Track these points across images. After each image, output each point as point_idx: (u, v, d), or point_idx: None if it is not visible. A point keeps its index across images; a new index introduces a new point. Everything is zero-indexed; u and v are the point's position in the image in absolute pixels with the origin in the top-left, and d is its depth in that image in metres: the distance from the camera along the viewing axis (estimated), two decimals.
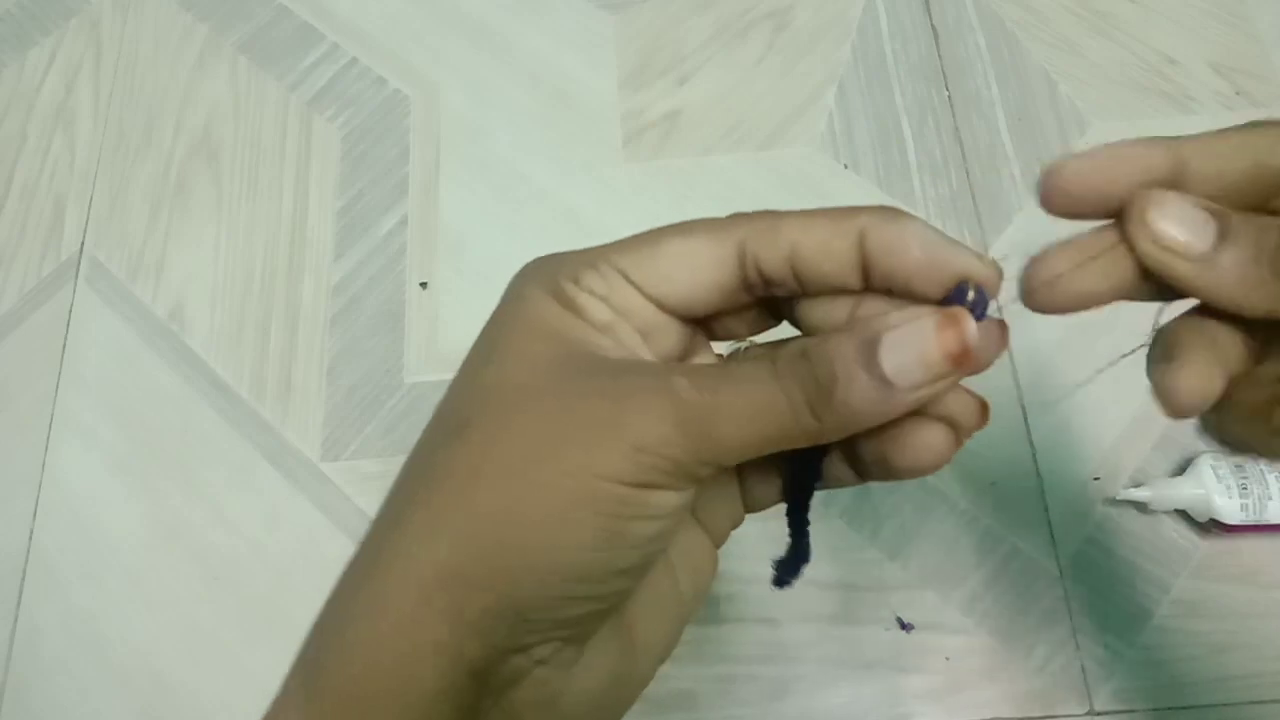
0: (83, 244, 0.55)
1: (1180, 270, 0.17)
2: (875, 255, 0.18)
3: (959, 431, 0.19)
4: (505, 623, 0.17)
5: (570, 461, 0.17)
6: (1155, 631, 0.41)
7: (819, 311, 0.20)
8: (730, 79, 0.56)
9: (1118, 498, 0.42)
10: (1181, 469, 0.43)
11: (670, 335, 0.20)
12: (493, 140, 0.55)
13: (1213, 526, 0.42)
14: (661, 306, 0.20)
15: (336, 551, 0.45)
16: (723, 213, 0.20)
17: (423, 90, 0.57)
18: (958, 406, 0.19)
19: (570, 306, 0.19)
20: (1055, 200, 0.19)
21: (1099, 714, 0.40)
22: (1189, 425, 0.47)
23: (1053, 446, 0.45)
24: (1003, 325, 0.19)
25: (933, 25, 0.56)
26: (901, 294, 0.19)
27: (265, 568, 0.46)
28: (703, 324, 0.22)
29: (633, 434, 0.17)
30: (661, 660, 0.21)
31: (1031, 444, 0.45)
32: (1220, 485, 0.41)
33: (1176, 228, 0.17)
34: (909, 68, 0.55)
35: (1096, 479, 0.44)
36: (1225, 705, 0.40)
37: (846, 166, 0.52)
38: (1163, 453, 0.44)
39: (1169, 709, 0.40)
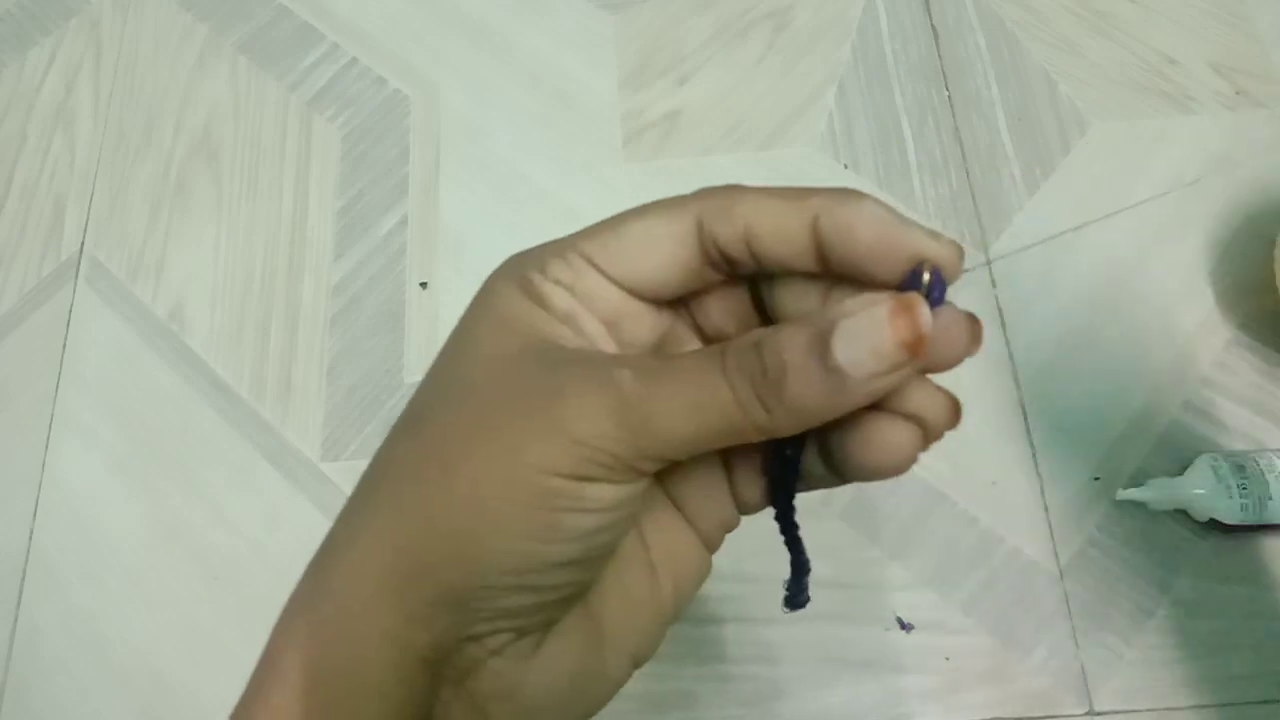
0: (83, 244, 0.55)
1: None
2: (829, 239, 0.18)
3: (928, 431, 0.18)
4: (450, 611, 0.18)
5: (505, 453, 0.17)
6: (1155, 631, 0.41)
7: (791, 301, 0.19)
8: (730, 79, 0.56)
9: (1118, 498, 0.42)
10: (1181, 469, 0.43)
11: (643, 324, 0.20)
12: (493, 140, 0.55)
13: (1213, 526, 0.42)
14: (629, 290, 0.19)
15: None
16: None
17: (423, 90, 0.57)
18: (927, 404, 0.18)
19: (534, 298, 0.19)
20: None
21: (1099, 714, 0.40)
22: (1189, 425, 0.47)
23: (1053, 446, 0.45)
24: (972, 317, 0.18)
25: (933, 25, 0.56)
26: (860, 279, 0.18)
27: (265, 568, 0.46)
28: (689, 317, 0.21)
29: (570, 426, 0.17)
30: (638, 660, 0.21)
31: (1031, 444, 0.45)
32: (1220, 485, 0.41)
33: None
34: (909, 68, 0.55)
35: (1096, 479, 0.44)
36: (1225, 705, 0.40)
37: (846, 166, 0.52)
38: (1163, 453, 0.44)
39: (1169, 709, 0.40)
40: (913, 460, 0.18)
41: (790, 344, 0.16)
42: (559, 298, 0.19)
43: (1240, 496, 0.40)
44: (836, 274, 0.18)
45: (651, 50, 0.57)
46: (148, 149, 0.57)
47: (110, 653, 0.45)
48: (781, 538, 0.22)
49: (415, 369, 0.49)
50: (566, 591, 0.19)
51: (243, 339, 0.51)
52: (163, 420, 0.50)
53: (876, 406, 0.18)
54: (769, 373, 0.16)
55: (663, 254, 0.19)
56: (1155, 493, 0.42)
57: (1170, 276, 0.48)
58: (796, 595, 0.22)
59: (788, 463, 0.20)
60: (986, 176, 0.52)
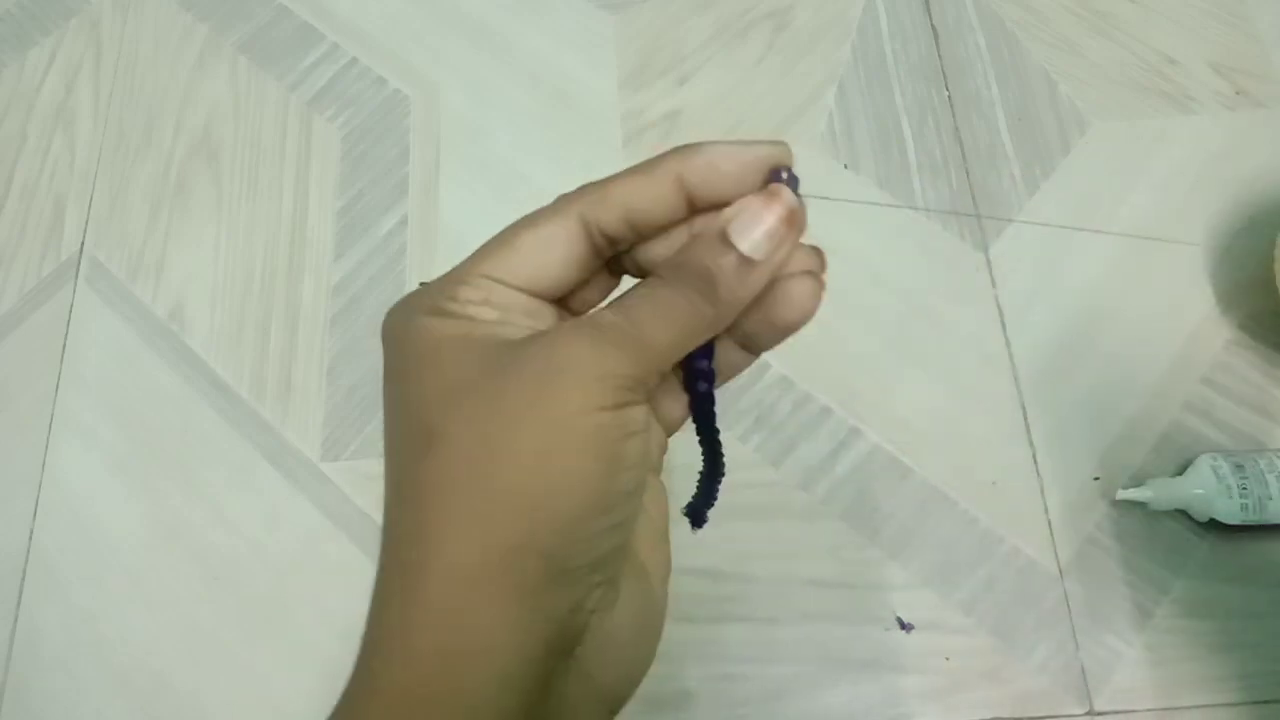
0: (83, 244, 0.55)
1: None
2: (696, 187, 0.21)
3: (819, 278, 0.23)
4: (557, 581, 0.19)
5: (550, 412, 0.19)
6: (1155, 631, 0.41)
7: (658, 249, 0.23)
8: (730, 79, 0.56)
9: (1118, 498, 0.42)
10: (1181, 469, 0.43)
11: (546, 319, 0.22)
12: (493, 140, 0.55)
13: (1213, 526, 0.42)
14: (535, 294, 0.22)
15: (336, 551, 0.45)
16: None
17: (423, 90, 0.57)
18: (812, 260, 0.22)
19: (461, 319, 0.21)
20: None
21: (1099, 714, 0.40)
22: (1189, 425, 0.47)
23: (1053, 446, 0.45)
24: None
25: (933, 25, 0.56)
26: (722, 203, 0.22)
27: (265, 568, 0.46)
28: (563, 302, 0.24)
29: (590, 368, 0.19)
30: (666, 582, 0.23)
31: (1031, 444, 0.45)
32: (1220, 485, 0.41)
33: None
34: (909, 68, 0.55)
35: (1096, 479, 0.44)
36: (1225, 705, 0.40)
37: (846, 166, 0.52)
38: (1163, 453, 0.44)
39: (1169, 709, 0.40)
40: (819, 301, 0.22)
41: (706, 253, 0.21)
42: (483, 313, 0.21)
43: (1240, 496, 0.40)
44: (700, 211, 0.22)
45: (651, 50, 0.57)
46: (148, 149, 0.57)
47: (110, 653, 0.45)
48: (701, 452, 0.25)
49: None
50: (630, 528, 0.21)
51: (243, 339, 0.51)
52: (163, 420, 0.50)
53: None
54: (701, 278, 0.20)
55: (560, 253, 0.22)
56: (1155, 493, 0.42)
57: (1170, 276, 0.48)
58: (706, 500, 0.25)
59: (702, 372, 0.23)
60: (986, 176, 0.52)
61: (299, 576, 0.45)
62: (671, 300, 0.20)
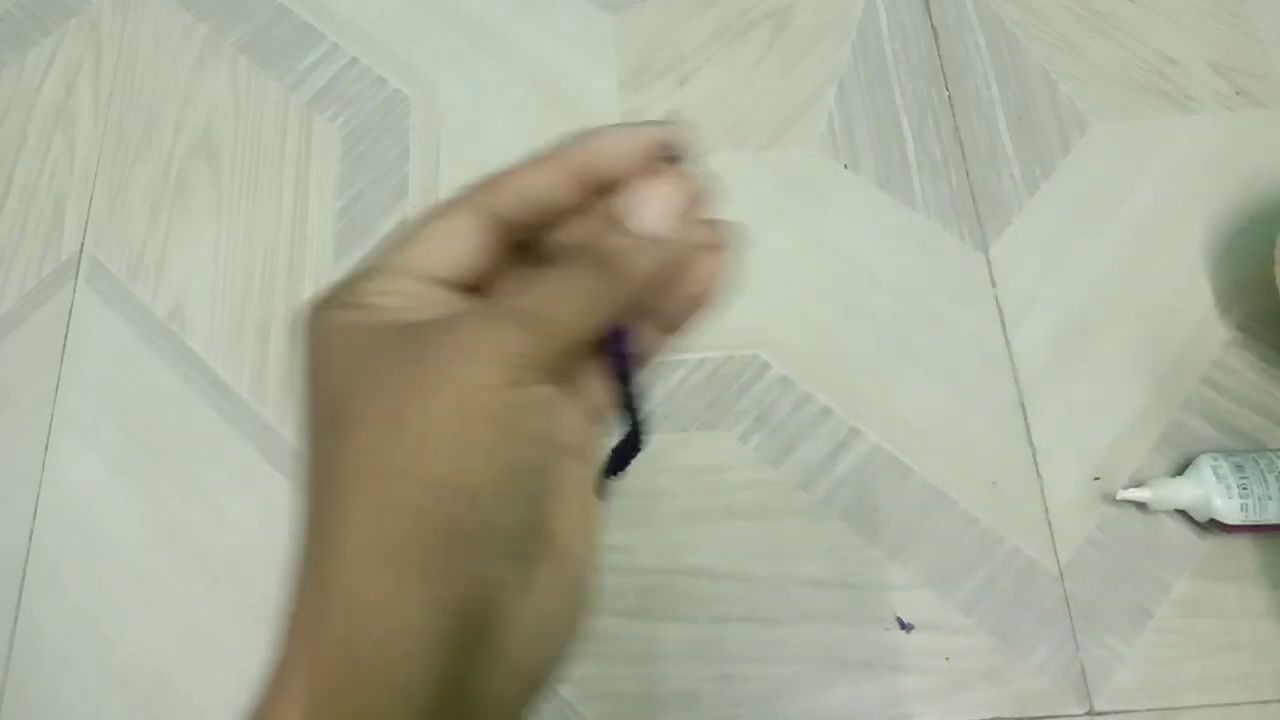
0: (83, 244, 0.55)
1: None
2: (587, 171, 0.23)
3: (725, 253, 0.23)
4: (461, 551, 0.19)
5: (445, 390, 0.19)
6: (1155, 631, 0.41)
7: (568, 234, 0.24)
8: (730, 79, 0.56)
9: (1118, 498, 0.42)
10: (1181, 469, 0.43)
11: (456, 306, 0.23)
12: (493, 140, 0.55)
13: (1213, 526, 0.42)
14: (441, 281, 0.22)
15: None
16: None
17: (423, 90, 0.57)
18: (719, 234, 0.23)
19: (363, 307, 0.21)
20: None
21: (1099, 714, 0.40)
22: (1189, 425, 0.47)
23: (1053, 446, 0.45)
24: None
25: (933, 25, 0.56)
26: (617, 183, 0.23)
27: (265, 568, 0.46)
28: (484, 291, 0.24)
29: (486, 346, 0.19)
30: (590, 568, 0.23)
31: (1031, 444, 0.45)
32: (1220, 485, 0.41)
33: None
34: (909, 68, 0.55)
35: (1096, 479, 0.44)
36: (1225, 705, 0.40)
37: (846, 166, 0.52)
38: (1163, 453, 0.44)
39: (1169, 709, 0.40)
40: (721, 273, 0.23)
41: (608, 240, 0.22)
42: (386, 300, 0.21)
43: (1240, 496, 0.40)
44: (598, 193, 0.23)
45: (651, 50, 0.57)
46: (148, 149, 0.57)
47: (110, 653, 0.45)
48: (622, 419, 0.25)
49: None
50: (539, 500, 0.21)
51: (243, 339, 0.51)
52: (163, 420, 0.50)
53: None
54: (611, 258, 0.21)
55: (461, 242, 0.22)
56: (1155, 493, 0.42)
57: (1170, 276, 0.48)
58: (618, 464, 0.25)
59: (619, 355, 0.24)
60: (986, 176, 0.52)
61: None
62: (570, 280, 0.21)
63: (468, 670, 0.19)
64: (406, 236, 0.22)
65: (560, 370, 0.21)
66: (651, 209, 0.22)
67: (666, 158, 0.23)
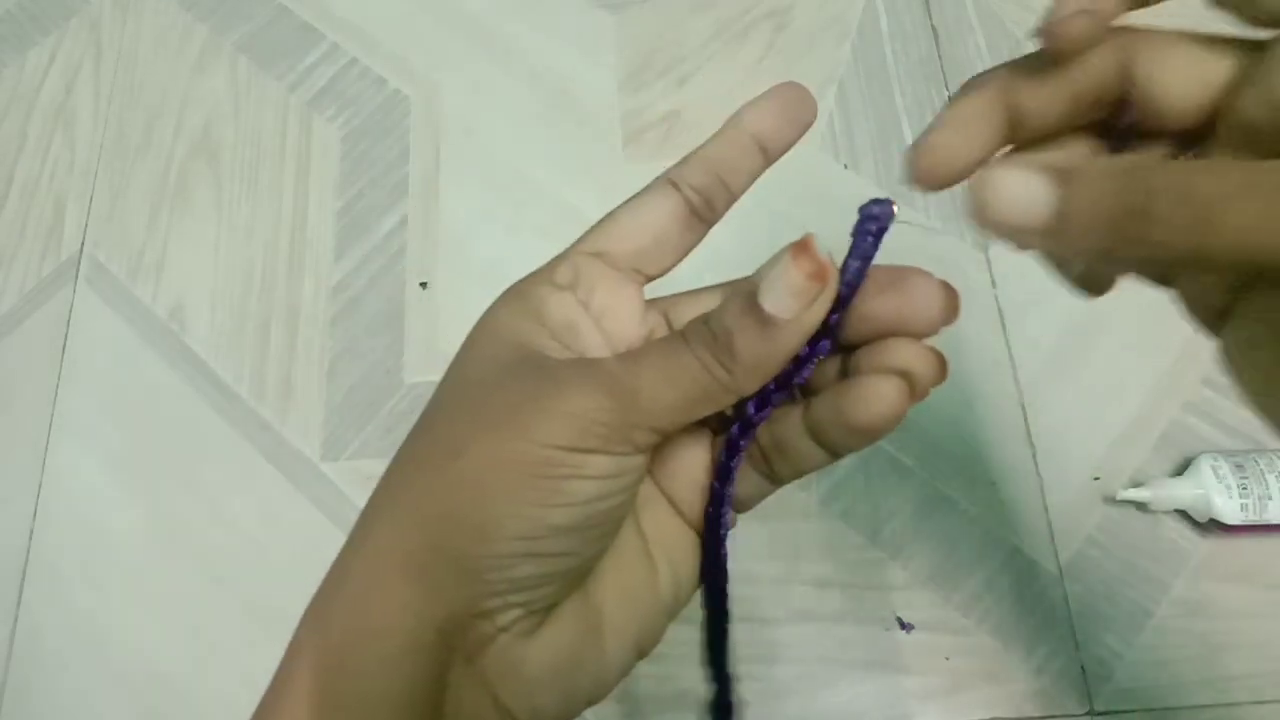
0: (83, 244, 0.55)
1: (1037, 244, 0.18)
2: (760, 134, 0.22)
3: (914, 384, 0.20)
4: (464, 583, 0.19)
5: (510, 432, 0.19)
6: (1155, 631, 0.41)
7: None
8: (730, 79, 0.56)
9: (1118, 498, 0.42)
10: (1181, 469, 0.43)
11: (633, 323, 0.22)
12: (493, 140, 0.55)
13: (1213, 526, 0.42)
14: (635, 269, 0.22)
15: (336, 551, 0.45)
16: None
17: (423, 90, 0.57)
18: (913, 359, 0.21)
19: (531, 313, 0.21)
20: (924, 182, 0.21)
21: (1099, 714, 0.40)
22: (1189, 425, 0.47)
23: (1053, 446, 0.45)
24: (938, 282, 0.22)
25: (933, 25, 0.56)
26: (786, 145, 0.22)
27: (265, 568, 0.46)
28: (668, 324, 0.24)
29: (566, 404, 0.19)
30: (641, 649, 0.23)
31: (1031, 444, 0.45)
32: (1220, 485, 0.41)
33: (1012, 208, 0.17)
34: (909, 68, 0.55)
35: (1096, 479, 0.44)
36: (1225, 705, 0.40)
37: (846, 166, 0.52)
38: (1163, 453, 0.44)
39: (1169, 709, 0.40)
40: (900, 412, 0.20)
41: (729, 310, 0.19)
42: (557, 306, 0.21)
43: (1240, 496, 0.40)
44: (773, 157, 0.23)
45: (651, 50, 0.57)
46: (148, 149, 0.57)
47: (110, 653, 0.45)
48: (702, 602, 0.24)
49: (415, 369, 0.50)
50: (568, 564, 0.20)
51: (243, 339, 0.51)
52: (163, 420, 0.50)
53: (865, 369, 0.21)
54: (719, 337, 0.19)
55: (653, 214, 0.22)
56: (1155, 493, 0.42)
57: None
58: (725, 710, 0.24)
59: (724, 471, 0.22)
60: None
61: (299, 576, 0.45)
62: (681, 357, 0.19)
63: (453, 695, 0.20)
64: (605, 219, 0.23)
65: (647, 446, 0.20)
66: (782, 286, 0.18)
67: (863, 214, 0.20)
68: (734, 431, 0.21)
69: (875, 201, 0.20)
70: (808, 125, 0.22)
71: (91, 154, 0.57)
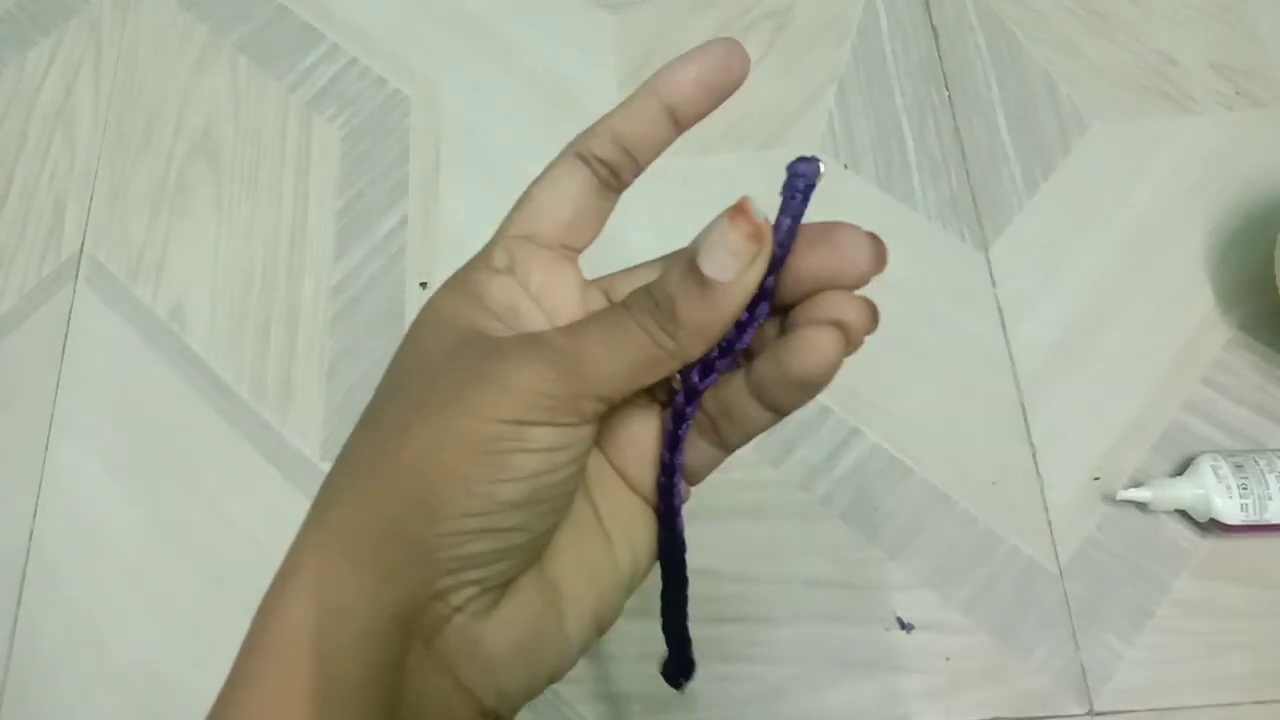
0: (83, 244, 0.55)
1: None
2: (670, 98, 0.21)
3: (849, 334, 0.21)
4: (418, 565, 0.19)
5: (453, 410, 0.19)
6: (1155, 631, 0.41)
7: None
8: None
9: (1118, 498, 0.42)
10: (1181, 469, 0.43)
11: (572, 298, 0.23)
12: (493, 140, 0.55)
13: (1213, 526, 0.42)
14: (562, 245, 0.23)
15: None
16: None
17: (423, 90, 0.57)
18: (847, 309, 0.21)
19: (473, 296, 0.22)
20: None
21: (1099, 714, 0.40)
22: (1189, 425, 0.47)
23: (1053, 446, 0.45)
24: (859, 230, 0.22)
25: (933, 25, 0.56)
26: (702, 115, 0.22)
27: (265, 568, 0.45)
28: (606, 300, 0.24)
29: (509, 378, 0.19)
30: (601, 623, 0.23)
31: (1031, 444, 0.45)
32: (1220, 485, 0.41)
33: None
34: (909, 68, 0.55)
35: (1096, 479, 0.44)
36: (1225, 705, 0.40)
37: (846, 166, 0.52)
38: (1163, 453, 0.44)
39: (1169, 709, 0.40)
40: (837, 363, 0.20)
41: (670, 278, 0.20)
42: (498, 290, 0.22)
43: (1240, 496, 0.40)
44: (685, 126, 0.22)
45: (651, 50, 0.57)
46: (148, 149, 0.57)
47: (110, 653, 0.45)
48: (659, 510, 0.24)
49: None
50: (519, 539, 0.20)
51: (243, 339, 0.51)
52: (163, 420, 0.50)
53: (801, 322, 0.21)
54: (660, 304, 0.19)
55: (567, 190, 0.22)
56: (1155, 493, 0.42)
57: (1170, 276, 0.48)
58: (679, 661, 0.25)
59: (672, 439, 0.22)
60: (986, 176, 0.52)
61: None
62: (624, 325, 0.20)
63: (415, 678, 0.20)
64: (523, 198, 0.23)
65: (594, 416, 0.20)
66: (721, 249, 0.19)
67: (791, 172, 0.20)
68: (679, 400, 0.22)
69: (802, 159, 0.21)
70: (731, 90, 0.22)
71: (91, 154, 0.57)
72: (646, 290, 0.20)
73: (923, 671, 0.41)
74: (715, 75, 0.21)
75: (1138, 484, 0.43)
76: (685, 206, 0.51)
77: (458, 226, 0.53)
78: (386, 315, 0.51)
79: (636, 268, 0.24)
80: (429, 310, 0.22)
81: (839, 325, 0.20)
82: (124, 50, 0.60)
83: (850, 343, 0.21)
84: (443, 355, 0.21)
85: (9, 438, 0.50)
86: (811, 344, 0.20)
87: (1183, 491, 0.41)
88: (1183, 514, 0.43)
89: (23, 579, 0.47)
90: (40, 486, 0.49)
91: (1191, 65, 0.53)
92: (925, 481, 0.45)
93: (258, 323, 0.52)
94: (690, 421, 0.22)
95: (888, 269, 0.21)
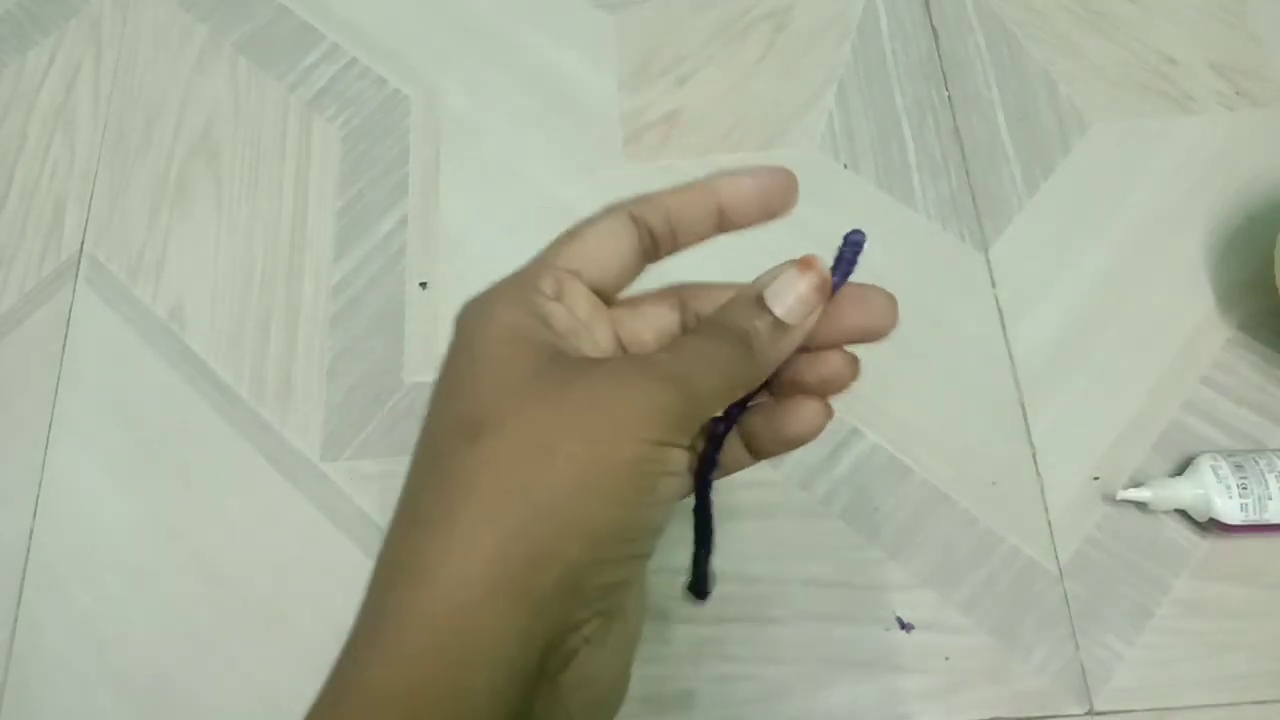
0: (83, 244, 0.55)
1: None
2: (725, 200, 0.24)
3: (841, 388, 0.25)
4: (566, 597, 0.19)
5: (604, 432, 0.19)
6: (1155, 631, 0.41)
7: (708, 304, 0.25)
8: (730, 79, 0.56)
9: (1118, 498, 0.42)
10: (1181, 469, 0.43)
11: (602, 333, 0.24)
12: (493, 140, 0.55)
13: (1213, 526, 0.42)
14: (597, 290, 0.24)
15: (336, 552, 0.45)
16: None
17: (423, 90, 0.57)
18: (843, 368, 0.25)
19: (537, 317, 0.22)
20: None
21: (1099, 714, 0.40)
22: (1189, 425, 0.47)
23: (1053, 446, 0.45)
24: (882, 292, 0.26)
25: (933, 25, 0.56)
26: (746, 224, 0.25)
27: (265, 568, 0.46)
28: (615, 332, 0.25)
29: (645, 399, 0.20)
30: (638, 639, 0.24)
31: (1031, 444, 0.45)
32: (1220, 485, 0.41)
33: None
34: (909, 68, 0.55)
35: (1096, 479, 0.44)
36: (1225, 705, 0.40)
37: (846, 166, 0.52)
38: (1163, 453, 0.44)
39: (1169, 709, 0.40)
40: (824, 426, 0.24)
41: (741, 316, 0.22)
42: (559, 314, 0.22)
43: (1240, 496, 0.40)
44: (724, 229, 0.25)
45: (651, 50, 0.57)
46: (148, 149, 0.57)
47: (110, 653, 0.45)
48: (694, 523, 0.26)
49: (415, 369, 0.49)
50: (644, 564, 0.21)
51: (243, 339, 0.51)
52: (163, 420, 0.50)
53: (792, 393, 0.24)
54: (742, 337, 0.22)
55: (617, 244, 0.24)
56: (1155, 493, 0.42)
57: (1170, 276, 0.48)
58: (701, 584, 0.27)
59: (716, 441, 0.25)
60: (986, 176, 0.52)
61: (299, 577, 0.45)
62: (715, 351, 0.22)
63: (530, 707, 0.19)
64: (571, 236, 0.24)
65: (693, 438, 0.22)
66: (792, 296, 0.22)
67: (847, 241, 0.24)
68: (720, 427, 0.24)
69: (855, 231, 0.25)
70: (776, 214, 0.24)
71: (91, 154, 0.57)
72: (720, 322, 0.22)
73: (922, 671, 0.41)
74: (770, 195, 0.24)
75: (1138, 484, 0.43)
76: None
77: (458, 226, 0.53)
78: (386, 315, 0.51)
79: (711, 285, 0.26)
80: (492, 324, 0.21)
81: (833, 382, 0.24)
82: (124, 50, 0.60)
83: (829, 412, 0.25)
84: (541, 370, 0.20)
85: (9, 438, 0.50)
86: (808, 412, 0.24)
87: (1182, 491, 0.41)
88: (1182, 514, 0.43)
89: (23, 579, 0.47)
90: (40, 486, 0.49)
91: (1191, 65, 0.53)
92: (925, 481, 0.45)
93: (258, 323, 0.52)
94: (719, 453, 0.24)
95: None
